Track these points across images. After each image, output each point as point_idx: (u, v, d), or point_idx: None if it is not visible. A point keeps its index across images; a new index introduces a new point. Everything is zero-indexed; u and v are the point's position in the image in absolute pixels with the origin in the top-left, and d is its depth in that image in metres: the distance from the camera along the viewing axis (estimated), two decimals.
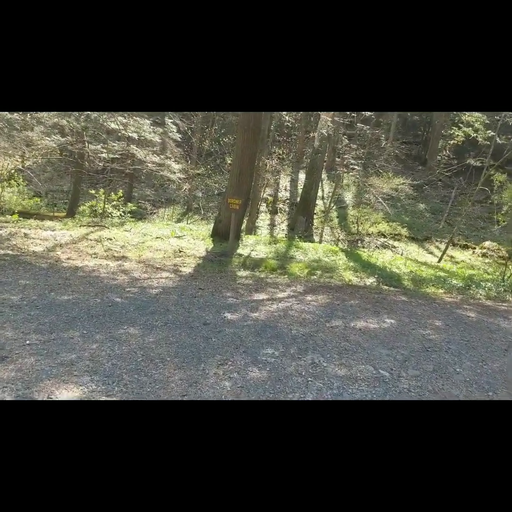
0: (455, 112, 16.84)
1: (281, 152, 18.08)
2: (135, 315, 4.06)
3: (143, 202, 16.68)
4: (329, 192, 18.39)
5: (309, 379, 3.14)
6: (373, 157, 18.39)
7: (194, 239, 8.83)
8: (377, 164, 18.10)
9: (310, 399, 2.88)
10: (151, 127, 11.77)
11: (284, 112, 16.76)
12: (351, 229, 16.19)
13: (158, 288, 5.07)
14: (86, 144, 11.28)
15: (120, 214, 11.52)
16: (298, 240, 11.69)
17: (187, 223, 14.10)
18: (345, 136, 14.26)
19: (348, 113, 14.10)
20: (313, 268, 7.10)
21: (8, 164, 12.72)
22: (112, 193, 12.06)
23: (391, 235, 15.90)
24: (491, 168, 12.28)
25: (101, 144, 11.19)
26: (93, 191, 12.01)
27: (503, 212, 11.18)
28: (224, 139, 17.68)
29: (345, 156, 13.97)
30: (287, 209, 17.78)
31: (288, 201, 18.42)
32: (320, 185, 17.09)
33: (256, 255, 7.95)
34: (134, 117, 11.27)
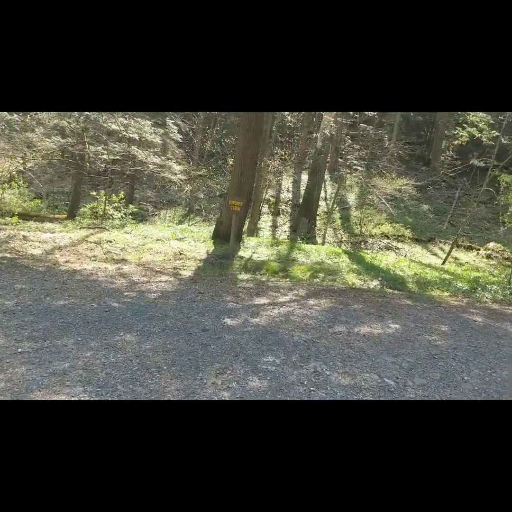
0: (459, 112, 16.71)
1: (283, 152, 17.96)
2: (132, 320, 3.95)
3: (144, 203, 16.58)
4: (331, 193, 18.25)
5: (312, 388, 3.02)
6: (376, 157, 18.26)
7: (195, 241, 8.72)
8: (380, 164, 17.98)
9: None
10: (152, 128, 11.67)
11: (286, 112, 16.66)
12: (354, 231, 16.05)
13: (157, 292, 4.95)
14: (87, 146, 11.20)
15: (121, 216, 11.42)
16: (300, 242, 11.55)
17: (188, 225, 14.00)
18: (348, 137, 14.12)
19: (351, 113, 13.97)
20: (315, 271, 6.98)
21: (9, 165, 12.67)
22: (114, 194, 11.96)
23: (395, 237, 15.75)
24: (496, 169, 12.12)
25: (102, 146, 11.10)
26: (94, 193, 11.92)
27: (508, 213, 11.02)
28: (226, 140, 17.57)
29: (348, 157, 13.82)
30: (289, 211, 17.66)
31: (290, 202, 18.29)
32: (322, 186, 16.95)
33: (258, 257, 7.83)
34: (135, 118, 11.18)
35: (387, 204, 15.32)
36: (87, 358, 3.12)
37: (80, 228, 8.94)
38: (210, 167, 17.92)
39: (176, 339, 3.62)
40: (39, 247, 6.76)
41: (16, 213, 10.57)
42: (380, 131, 15.59)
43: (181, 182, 14.03)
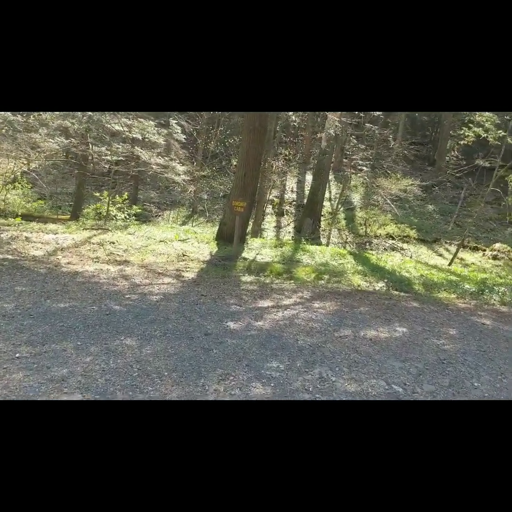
0: (465, 112, 16.55)
1: (287, 153, 17.86)
2: (133, 324, 3.87)
3: (148, 204, 16.54)
4: (336, 194, 18.15)
5: (317, 395, 2.93)
6: (381, 157, 18.14)
7: (198, 242, 8.64)
8: (385, 165, 17.86)
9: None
10: (156, 128, 11.61)
11: (290, 112, 16.55)
12: (359, 231, 15.95)
13: (159, 295, 4.87)
14: (90, 146, 11.15)
15: (125, 217, 11.36)
16: (304, 242, 11.45)
17: (192, 226, 13.92)
18: (353, 136, 14.01)
19: (356, 113, 13.87)
20: (320, 272, 6.88)
21: (14, 166, 12.64)
22: (117, 195, 11.91)
23: (400, 237, 15.64)
24: (502, 169, 11.99)
25: (106, 146, 11.05)
26: (97, 194, 11.87)
27: None
28: (229, 140, 17.48)
29: (354, 157, 13.71)
30: (293, 211, 17.57)
31: (294, 203, 18.21)
32: (327, 186, 16.85)
33: (262, 258, 7.74)
34: (138, 118, 11.12)
35: (392, 205, 15.20)
36: (87, 364, 3.05)
37: (83, 229, 8.88)
38: (214, 168, 17.85)
39: (177, 344, 3.54)
40: (41, 248, 6.70)
41: (19, 214, 10.53)
42: (385, 131, 15.46)
43: (185, 183, 13.96)
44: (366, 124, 13.38)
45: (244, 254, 7.90)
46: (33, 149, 11.00)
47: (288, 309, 4.80)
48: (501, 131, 11.39)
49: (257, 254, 8.05)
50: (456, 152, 20.21)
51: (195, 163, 16.57)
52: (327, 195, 17.32)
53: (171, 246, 7.95)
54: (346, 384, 3.13)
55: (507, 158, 12.79)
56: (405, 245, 15.04)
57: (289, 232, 15.73)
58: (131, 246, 7.54)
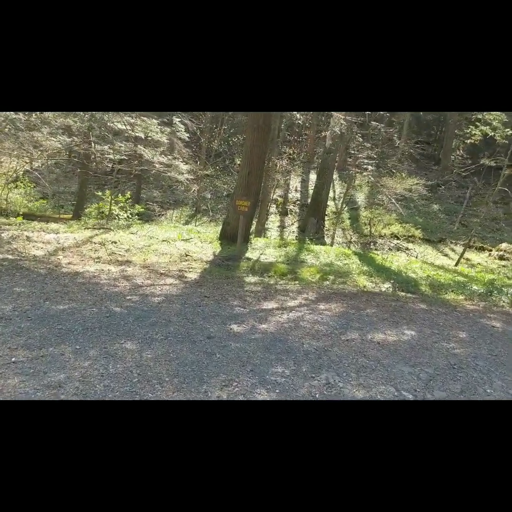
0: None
1: (291, 152, 17.72)
2: (134, 326, 3.76)
3: (151, 203, 16.44)
4: (340, 193, 18.00)
5: None
6: (386, 156, 17.97)
7: (201, 242, 8.53)
8: (390, 164, 17.69)
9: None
10: (159, 127, 11.50)
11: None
12: (363, 231, 15.80)
13: (161, 296, 4.76)
14: (93, 145, 11.05)
15: (127, 216, 11.26)
16: (309, 242, 11.33)
17: (195, 225, 13.82)
18: (358, 135, 13.86)
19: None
20: (325, 273, 6.75)
21: (16, 164, 12.57)
22: (120, 194, 11.81)
23: (404, 237, 15.48)
24: (509, 169, 11.82)
25: (108, 145, 10.95)
26: (100, 193, 11.77)
27: None
28: (233, 139, 17.38)
29: (359, 155, 13.56)
30: (297, 211, 17.44)
31: (298, 202, 18.07)
32: (331, 185, 16.71)
33: (266, 259, 7.62)
34: (141, 117, 11.01)
35: (397, 204, 15.04)
36: (85, 369, 2.94)
37: (84, 229, 8.78)
38: (217, 167, 17.75)
39: (179, 348, 3.42)
40: (42, 248, 6.61)
41: (21, 213, 10.46)
42: (390, 130, 15.30)
43: (188, 182, 13.84)
44: (372, 122, 13.23)
45: (248, 254, 7.79)
46: (35, 147, 10.90)
47: (293, 311, 4.68)
48: (508, 129, 11.23)
49: (261, 254, 7.93)
50: (461, 151, 20.04)
51: (198, 162, 16.45)
52: (331, 194, 17.18)
53: (174, 246, 7.84)
54: (354, 390, 3.01)
55: None
56: (410, 245, 14.88)
57: (293, 231, 15.60)
58: (133, 246, 7.43)
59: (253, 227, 11.55)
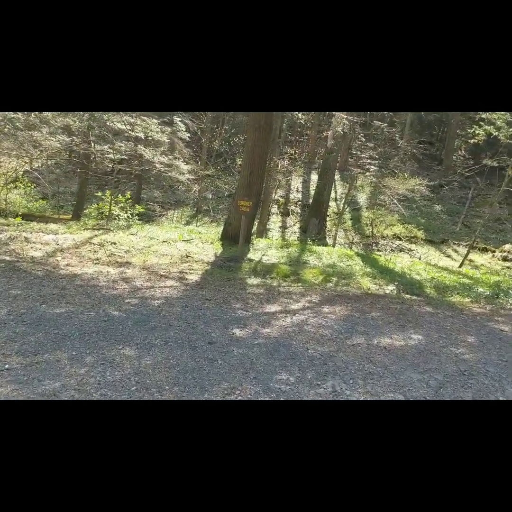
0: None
1: (293, 152, 17.60)
2: (132, 331, 3.64)
3: (151, 204, 16.32)
4: (342, 194, 17.87)
5: None
6: (388, 156, 17.84)
7: (202, 243, 8.41)
8: (392, 164, 17.57)
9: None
10: (159, 126, 11.39)
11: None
12: (365, 232, 15.68)
13: (161, 299, 4.64)
14: (92, 145, 10.94)
15: (127, 217, 11.14)
16: (311, 243, 11.20)
17: (196, 226, 13.70)
18: (361, 135, 13.74)
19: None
20: (328, 274, 6.63)
21: (15, 165, 12.46)
22: (120, 195, 11.69)
23: (407, 238, 15.36)
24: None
25: (108, 145, 10.83)
26: (100, 193, 11.66)
27: None
28: (234, 139, 17.26)
29: (362, 155, 13.43)
30: (299, 211, 17.31)
31: (300, 202, 17.94)
32: (333, 186, 16.59)
33: (268, 260, 7.50)
34: (141, 117, 10.90)
35: (399, 205, 14.90)
36: (81, 376, 2.82)
37: (84, 229, 8.67)
38: (219, 167, 17.63)
39: (180, 353, 3.30)
40: (40, 249, 6.49)
41: (20, 213, 10.34)
42: (393, 130, 15.17)
43: (189, 182, 13.73)
44: (374, 122, 13.10)
45: (250, 255, 7.66)
46: (35, 147, 10.78)
47: (296, 315, 4.56)
48: None
49: (263, 255, 7.80)
50: (463, 151, 19.91)
51: (199, 162, 16.33)
52: (333, 195, 17.06)
53: (175, 247, 7.72)
54: (362, 399, 2.89)
55: None
56: (412, 246, 14.76)
57: (295, 232, 15.48)
58: (133, 247, 7.31)
59: (254, 228, 11.42)
